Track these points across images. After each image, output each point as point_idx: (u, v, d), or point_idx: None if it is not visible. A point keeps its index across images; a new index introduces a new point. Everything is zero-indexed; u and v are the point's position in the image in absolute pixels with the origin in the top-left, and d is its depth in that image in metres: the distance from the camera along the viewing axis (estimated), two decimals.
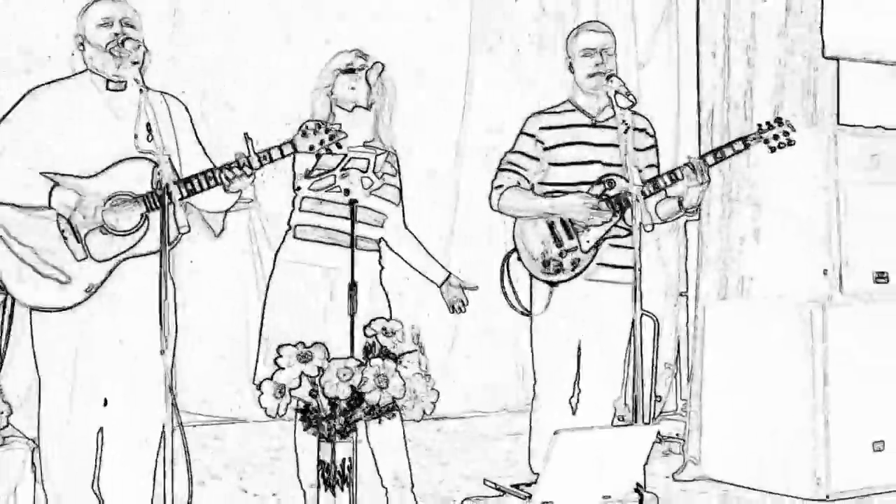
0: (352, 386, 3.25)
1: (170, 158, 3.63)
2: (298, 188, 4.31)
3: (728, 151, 4.41)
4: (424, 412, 3.43)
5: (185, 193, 3.74)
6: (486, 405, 6.33)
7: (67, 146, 3.83)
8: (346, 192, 3.83)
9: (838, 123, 5.12)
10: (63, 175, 3.78)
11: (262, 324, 4.33)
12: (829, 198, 4.96)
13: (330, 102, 4.37)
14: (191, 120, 4.08)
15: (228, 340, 6.05)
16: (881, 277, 5.16)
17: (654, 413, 5.80)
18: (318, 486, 3.35)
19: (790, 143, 4.45)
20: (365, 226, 4.34)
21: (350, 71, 4.34)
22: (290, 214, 4.43)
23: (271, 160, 3.82)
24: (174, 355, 4.03)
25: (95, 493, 3.95)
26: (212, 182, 3.78)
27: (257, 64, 5.92)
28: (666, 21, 6.37)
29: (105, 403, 3.82)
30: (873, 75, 5.19)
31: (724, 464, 5.15)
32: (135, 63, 3.72)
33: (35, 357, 3.86)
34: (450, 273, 4.49)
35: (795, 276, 5.01)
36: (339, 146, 3.82)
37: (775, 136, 4.45)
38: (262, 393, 3.32)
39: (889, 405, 4.92)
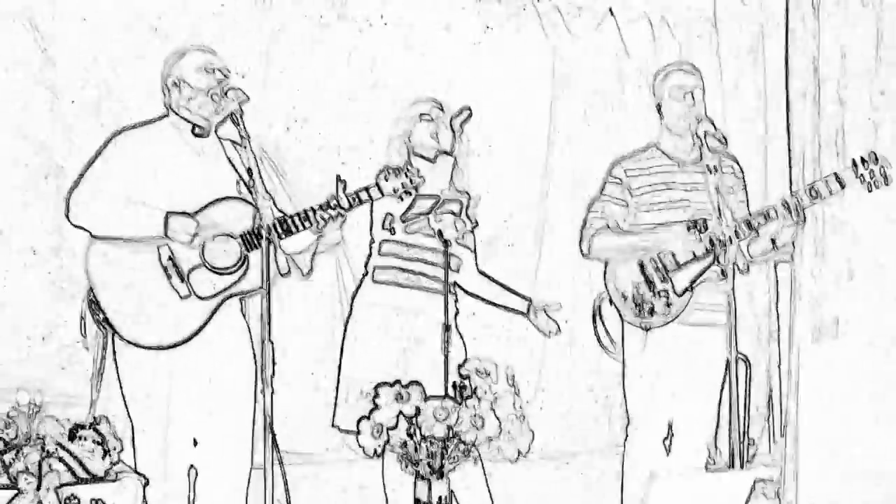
0: (448, 426, 3.23)
1: (272, 199, 3.67)
2: (372, 238, 4.35)
3: (822, 187, 4.34)
4: (520, 452, 3.41)
5: (282, 234, 3.78)
6: (569, 445, 6.25)
7: (156, 187, 3.88)
8: (440, 233, 3.84)
9: None
10: (178, 213, 3.85)
11: (340, 366, 4.34)
12: None
13: (407, 150, 4.39)
14: (273, 164, 4.13)
15: (315, 380, 6.08)
16: None
17: (748, 457, 5.69)
18: None
19: (886, 179, 4.36)
20: (440, 268, 4.34)
21: (428, 119, 4.37)
22: (367, 258, 4.45)
23: (360, 202, 3.87)
24: (273, 393, 4.07)
25: None
26: (306, 223, 3.82)
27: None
28: (753, 58, 6.33)
29: (195, 444, 3.85)
30: None
31: None
32: (231, 113, 3.79)
33: (124, 397, 3.91)
34: (531, 299, 4.47)
35: (891, 318, 4.90)
36: (417, 189, 3.85)
37: (871, 174, 4.36)
38: (360, 432, 3.32)
39: None
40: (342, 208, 3.79)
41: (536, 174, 6.60)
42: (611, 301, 4.37)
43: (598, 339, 4.39)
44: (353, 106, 5.89)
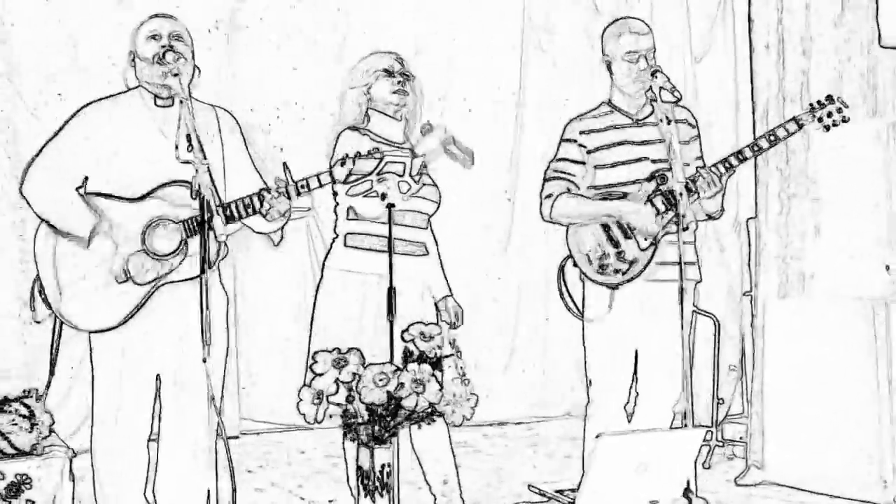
0: (388, 392, 3.21)
1: (208, 168, 3.62)
2: (337, 202, 4.29)
3: (781, 133, 4.28)
4: (465, 417, 3.38)
5: (224, 219, 3.74)
6: (550, 410, 6.26)
7: (117, 164, 3.85)
8: (384, 196, 3.79)
9: None
10: (105, 196, 3.81)
11: (311, 332, 4.31)
12: (890, 191, 4.80)
13: (366, 104, 4.31)
14: (241, 133, 4.09)
15: (290, 348, 6.07)
16: None
17: (717, 416, 5.67)
18: (359, 493, 3.32)
19: (845, 120, 4.31)
20: (408, 228, 4.29)
21: (390, 74, 4.29)
22: (335, 222, 4.39)
23: (309, 189, 3.81)
24: (226, 367, 4.05)
25: (147, 500, 3.97)
26: (249, 210, 3.78)
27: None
28: (722, 13, 6.25)
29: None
30: None
31: (788, 467, 5.02)
32: (175, 75, 3.74)
33: (92, 371, 3.90)
34: (451, 293, 4.42)
35: (857, 273, 4.86)
36: (381, 174, 3.79)
37: (829, 114, 4.31)
38: (301, 399, 3.29)
39: None
40: (287, 195, 3.74)
41: (508, 134, 6.54)
42: (574, 263, 4.32)
43: (564, 301, 4.35)
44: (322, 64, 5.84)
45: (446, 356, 3.34)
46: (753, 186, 5.25)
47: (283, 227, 4.28)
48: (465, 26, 6.24)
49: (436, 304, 4.39)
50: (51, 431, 3.77)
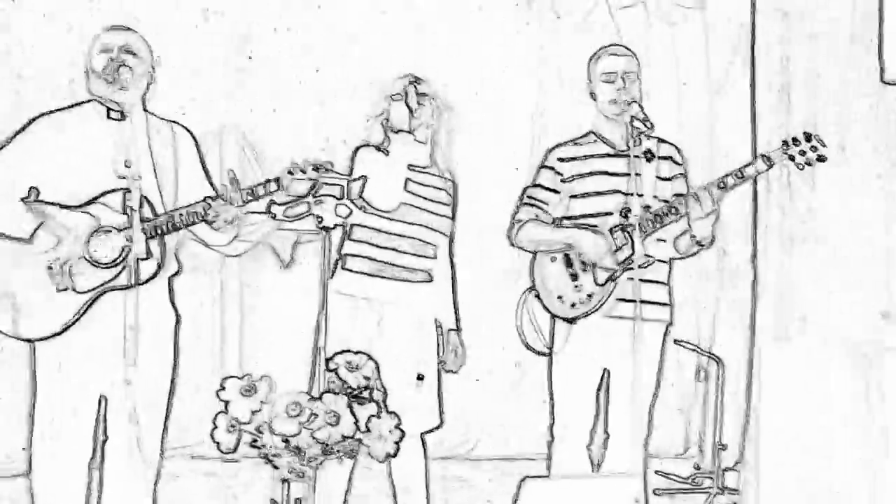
0: (300, 423, 3.11)
1: (140, 187, 3.60)
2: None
3: (749, 171, 4.11)
4: (388, 454, 3.27)
5: (158, 230, 3.72)
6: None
7: (67, 175, 3.86)
8: (319, 219, 3.72)
9: None
10: (49, 203, 3.81)
11: (315, 359, 4.25)
12: (890, 236, 4.59)
13: (384, 128, 4.28)
14: (197, 149, 4.08)
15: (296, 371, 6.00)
16: None
17: (719, 462, 5.46)
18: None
19: (820, 159, 4.11)
20: (412, 257, 4.24)
21: (404, 97, 4.27)
22: (341, 243, 4.35)
23: (256, 197, 3.77)
24: (173, 389, 4.00)
25: None
26: (186, 219, 3.75)
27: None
28: (742, 48, 6.08)
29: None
30: None
31: None
32: (122, 88, 3.74)
33: (34, 387, 3.89)
34: (459, 329, 4.33)
35: (853, 318, 4.64)
36: (317, 195, 3.73)
37: (802, 153, 4.12)
38: (216, 427, 3.22)
39: None
40: (231, 203, 3.70)
41: (523, 162, 6.43)
42: (537, 294, 4.20)
43: (520, 334, 4.23)
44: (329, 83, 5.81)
45: (364, 388, 3.23)
46: (752, 224, 5.06)
47: (294, 250, 4.23)
48: (484, 55, 6.16)
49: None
50: None
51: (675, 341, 5.03)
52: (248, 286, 5.86)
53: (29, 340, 3.84)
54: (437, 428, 4.37)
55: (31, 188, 3.81)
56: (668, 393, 5.81)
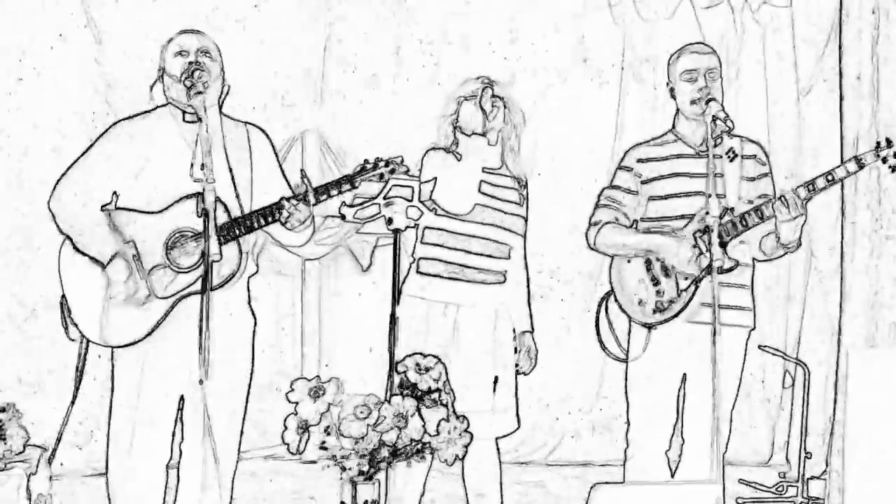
0: (369, 425, 3.09)
1: (214, 189, 3.62)
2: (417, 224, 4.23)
3: (840, 173, 3.99)
4: (457, 456, 3.23)
5: (239, 230, 3.74)
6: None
7: (145, 180, 3.89)
8: (390, 221, 3.70)
9: None
10: (128, 210, 3.84)
11: (390, 362, 4.24)
12: None
13: (454, 129, 4.25)
14: (272, 149, 4.08)
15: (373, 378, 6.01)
16: None
17: (804, 471, 5.33)
18: None
19: None
20: (487, 258, 4.20)
21: (474, 98, 4.25)
22: (414, 246, 4.34)
23: (329, 196, 3.76)
24: (249, 392, 4.01)
25: None
26: (261, 220, 3.75)
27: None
28: (828, 46, 5.93)
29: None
30: None
31: None
32: (200, 93, 3.74)
33: (112, 390, 3.93)
34: (533, 329, 4.28)
35: None
36: (387, 197, 3.71)
37: (895, 155, 3.98)
38: (286, 428, 3.21)
39: None
40: (307, 202, 3.70)
41: (603, 167, 6.35)
42: (616, 298, 4.12)
43: (600, 340, 4.15)
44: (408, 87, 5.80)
45: (432, 390, 3.20)
46: (840, 227, 4.91)
47: (372, 253, 4.23)
48: (560, 56, 6.10)
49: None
50: (25, 447, 3.79)
51: (760, 347, 4.91)
52: (328, 289, 5.88)
53: (113, 347, 3.86)
54: (515, 431, 4.31)
55: (113, 193, 3.85)
56: (754, 400, 5.68)
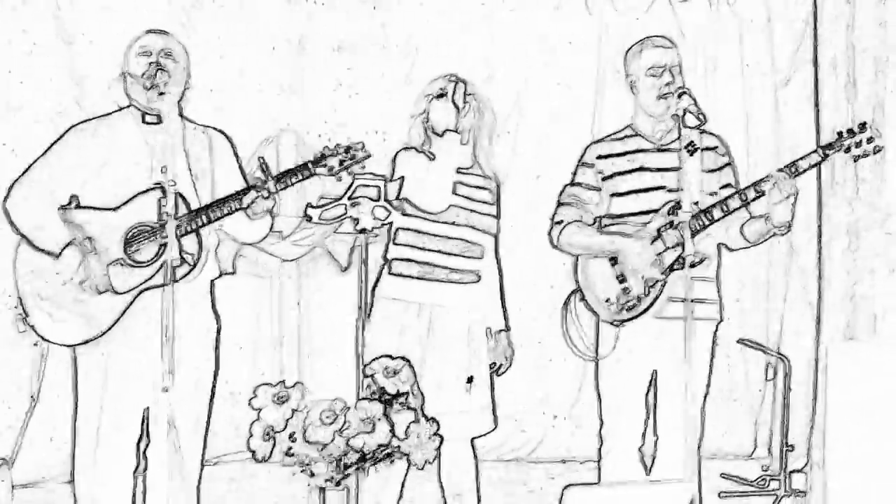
0: (335, 430, 3.05)
1: (176, 191, 3.57)
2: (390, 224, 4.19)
3: (803, 164, 3.95)
4: (427, 461, 3.19)
5: (193, 224, 3.69)
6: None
7: (103, 181, 3.85)
8: (356, 221, 3.66)
9: None
10: (85, 208, 3.80)
11: (360, 363, 4.20)
12: None
13: (424, 128, 4.22)
14: (234, 153, 4.04)
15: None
16: None
17: (786, 464, 5.30)
18: None
19: (876, 150, 3.93)
20: (460, 258, 4.17)
21: (443, 95, 4.20)
22: (385, 247, 4.30)
23: (290, 184, 3.72)
24: (213, 397, 3.97)
25: None
26: (220, 210, 3.70)
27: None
28: (806, 36, 5.89)
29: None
30: None
31: None
32: (161, 94, 3.70)
33: (76, 394, 3.89)
34: (508, 329, 4.24)
35: None
36: (364, 167, 3.68)
37: (857, 144, 3.94)
38: (251, 435, 3.17)
39: None
40: (267, 191, 3.65)
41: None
42: (582, 297, 4.08)
43: (566, 338, 4.11)
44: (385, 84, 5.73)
45: (400, 394, 3.15)
46: (817, 220, 4.88)
47: (351, 253, 4.19)
48: (539, 53, 6.05)
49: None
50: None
51: (739, 341, 4.88)
52: (307, 290, 5.82)
53: (72, 345, 3.82)
54: (491, 431, 4.27)
55: (71, 196, 3.81)
56: (735, 393, 5.65)
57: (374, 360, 3.36)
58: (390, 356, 3.34)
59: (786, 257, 5.41)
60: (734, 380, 5.57)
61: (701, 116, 3.91)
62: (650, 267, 3.96)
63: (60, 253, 3.76)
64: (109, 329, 3.78)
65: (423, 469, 3.26)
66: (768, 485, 5.02)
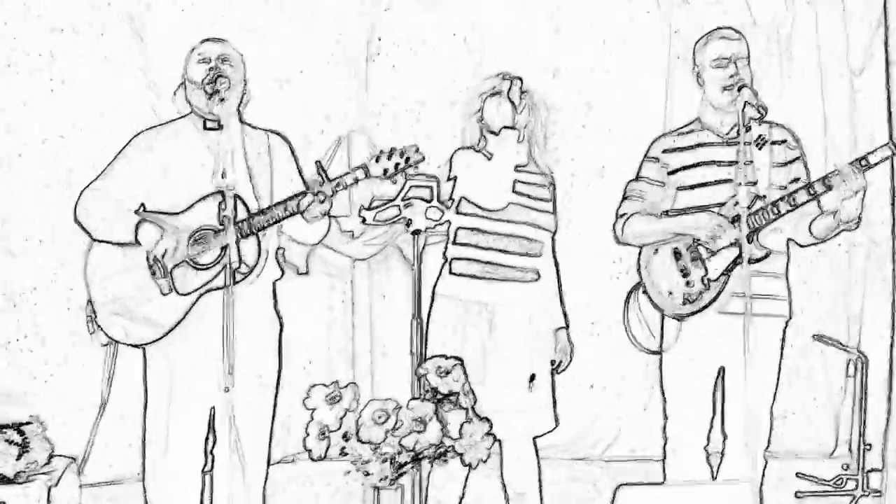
0: (387, 430, 3.07)
1: (235, 196, 3.63)
2: (449, 222, 4.21)
3: (873, 158, 3.87)
4: (480, 460, 3.19)
5: (251, 227, 3.74)
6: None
7: (167, 187, 3.92)
8: (409, 222, 3.67)
9: None
10: (151, 212, 3.88)
11: (420, 363, 4.23)
12: None
13: (480, 127, 4.23)
14: (293, 157, 4.08)
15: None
16: None
17: (864, 463, 5.19)
18: None
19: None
20: (520, 256, 4.18)
21: (497, 93, 4.21)
22: (445, 246, 4.32)
23: (345, 186, 3.75)
24: (277, 397, 4.03)
25: None
26: (278, 213, 3.75)
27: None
28: (880, 24, 5.76)
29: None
30: None
31: None
32: (222, 100, 3.76)
33: (146, 395, 3.97)
34: (567, 325, 4.23)
35: None
36: (414, 167, 3.69)
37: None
38: (308, 434, 3.20)
39: None
40: (324, 194, 3.68)
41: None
42: (645, 290, 4.05)
43: (627, 332, 4.08)
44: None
45: (452, 393, 3.16)
46: (890, 207, 4.77)
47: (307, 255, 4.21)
48: (608, 48, 6.01)
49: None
50: (50, 458, 3.83)
51: (815, 337, 4.79)
52: (377, 290, 5.85)
53: (138, 345, 3.89)
54: (552, 430, 4.26)
55: (140, 205, 3.89)
56: (816, 391, 5.53)
57: (426, 359, 3.36)
58: (444, 356, 3.34)
59: (866, 250, 5.30)
60: (812, 379, 5.47)
61: (761, 109, 3.84)
62: (724, 234, 3.90)
63: (137, 230, 3.82)
64: (172, 329, 3.83)
65: (476, 468, 3.25)
66: (845, 484, 4.92)
